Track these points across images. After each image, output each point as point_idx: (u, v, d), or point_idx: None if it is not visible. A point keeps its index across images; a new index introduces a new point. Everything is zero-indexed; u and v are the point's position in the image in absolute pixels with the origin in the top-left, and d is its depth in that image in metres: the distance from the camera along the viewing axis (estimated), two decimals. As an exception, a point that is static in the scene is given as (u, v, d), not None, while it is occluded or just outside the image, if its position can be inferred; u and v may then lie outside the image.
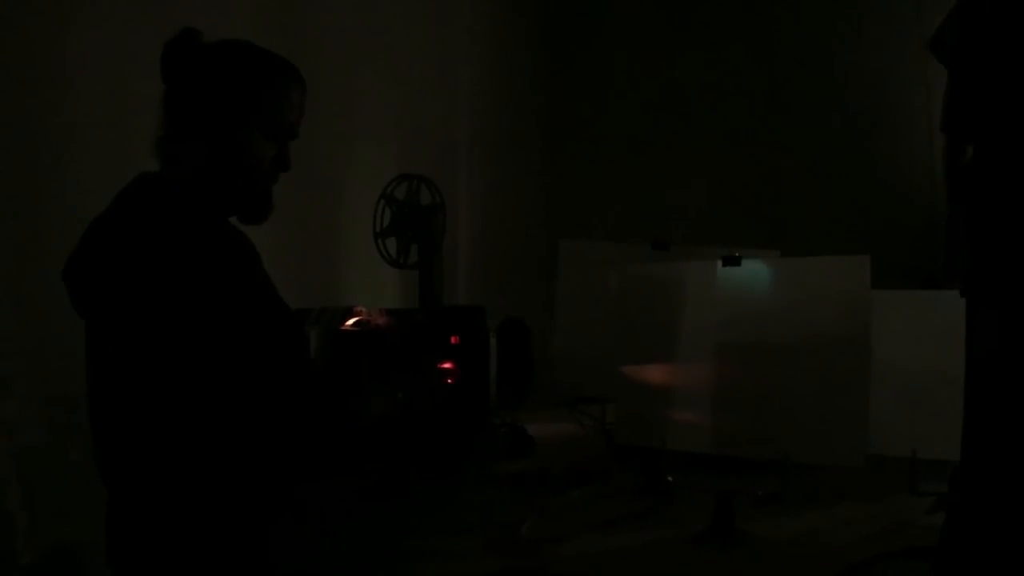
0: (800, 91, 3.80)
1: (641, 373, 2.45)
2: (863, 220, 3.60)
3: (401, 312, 2.34)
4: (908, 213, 3.52)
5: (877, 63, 3.68)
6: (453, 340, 2.28)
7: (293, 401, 1.44)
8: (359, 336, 2.17)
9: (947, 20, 1.69)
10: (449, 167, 3.49)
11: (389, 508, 1.96)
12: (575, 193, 4.11)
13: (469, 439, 2.27)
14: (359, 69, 3.09)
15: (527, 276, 3.77)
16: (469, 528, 1.85)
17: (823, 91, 3.76)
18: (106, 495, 1.44)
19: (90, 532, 1.51)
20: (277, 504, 1.49)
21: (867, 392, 2.07)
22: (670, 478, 2.07)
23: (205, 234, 1.39)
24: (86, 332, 1.43)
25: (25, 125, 1.92)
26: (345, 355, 2.14)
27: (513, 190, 4.00)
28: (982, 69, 1.56)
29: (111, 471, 1.42)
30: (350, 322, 2.19)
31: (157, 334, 1.34)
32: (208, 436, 1.36)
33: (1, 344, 1.84)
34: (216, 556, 1.38)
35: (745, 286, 2.30)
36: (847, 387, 2.10)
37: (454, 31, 3.70)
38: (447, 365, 2.21)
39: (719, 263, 2.34)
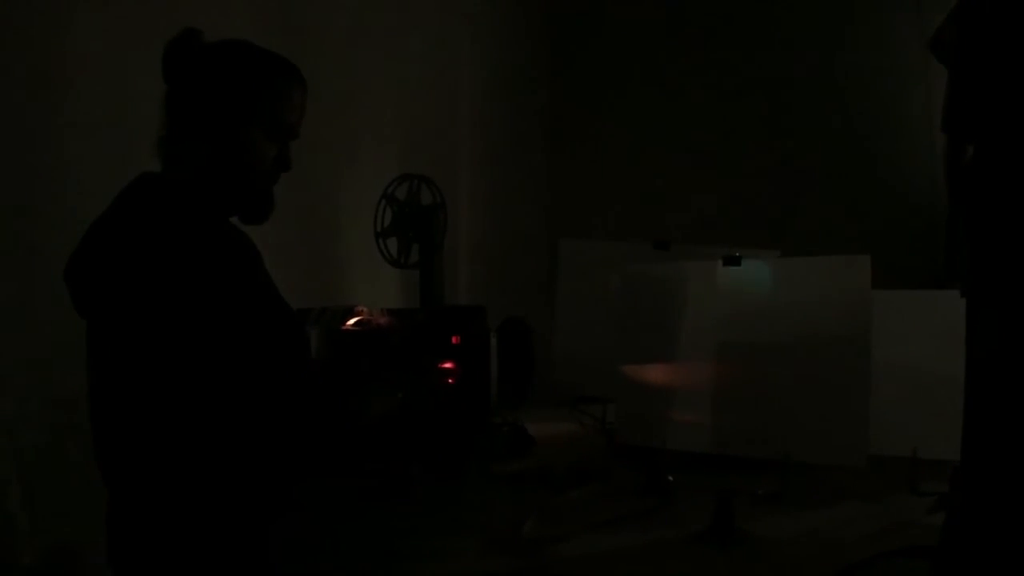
0: (800, 91, 3.80)
1: (641, 373, 2.45)
2: (863, 220, 3.59)
3: (402, 312, 2.35)
4: (908, 213, 3.52)
5: (877, 63, 3.68)
6: (454, 340, 2.28)
7: (293, 401, 1.44)
8: (360, 336, 2.17)
9: (947, 20, 1.69)
10: (450, 167, 3.49)
11: (389, 508, 1.96)
12: (576, 193, 4.11)
13: (470, 439, 2.27)
14: (360, 69, 3.09)
15: (528, 276, 3.77)
16: (469, 528, 1.85)
17: (823, 91, 3.76)
18: (107, 495, 1.44)
19: (90, 532, 1.51)
20: (277, 504, 1.49)
21: (867, 392, 2.07)
22: (670, 478, 2.06)
23: (206, 234, 1.39)
24: (87, 332, 1.43)
25: (25, 125, 1.92)
26: (346, 355, 2.14)
27: (514, 190, 4.00)
28: (982, 69, 1.56)
29: (112, 471, 1.42)
30: (351, 322, 2.19)
31: (158, 334, 1.34)
32: (209, 436, 1.36)
33: (1, 344, 1.84)
34: (216, 556, 1.38)
35: (745, 286, 2.30)
36: (847, 387, 2.10)
37: (455, 31, 3.70)
38: (448, 365, 2.21)
39: (719, 263, 2.34)
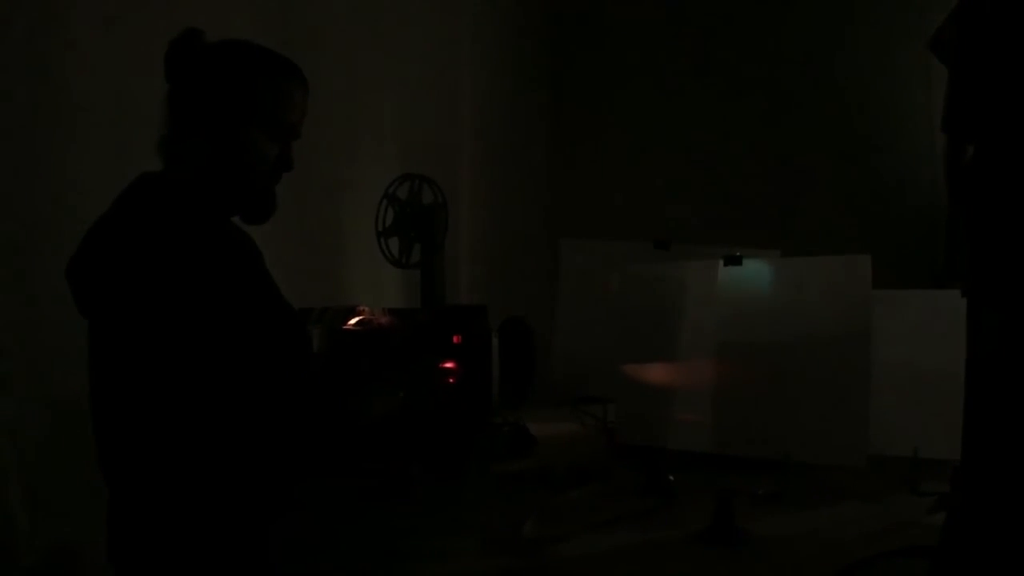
0: (800, 91, 3.80)
1: (642, 372, 2.46)
2: (863, 220, 3.59)
3: (403, 312, 2.35)
4: (908, 213, 3.52)
5: (877, 63, 3.68)
6: (455, 340, 2.28)
7: (294, 400, 1.44)
8: (361, 336, 2.17)
9: (948, 20, 1.69)
10: (451, 167, 3.48)
11: (389, 508, 1.96)
12: (576, 193, 4.11)
13: (470, 439, 2.27)
14: (361, 69, 3.09)
15: (529, 275, 3.77)
16: (469, 528, 1.85)
17: (823, 91, 3.76)
18: (107, 495, 1.44)
19: (91, 532, 1.51)
20: (277, 504, 1.49)
21: (867, 392, 2.08)
22: (671, 477, 2.06)
23: (207, 234, 1.39)
24: (88, 332, 1.43)
25: (25, 125, 1.92)
26: (347, 354, 2.14)
27: (515, 190, 4.00)
28: (983, 69, 1.56)
29: (113, 471, 1.43)
30: (352, 322, 2.19)
31: (160, 334, 1.34)
32: (210, 435, 1.36)
33: (1, 344, 1.84)
34: (217, 555, 1.38)
35: (746, 286, 2.30)
36: (847, 387, 2.10)
37: (456, 31, 3.70)
38: (449, 365, 2.21)
39: (720, 263, 2.34)
